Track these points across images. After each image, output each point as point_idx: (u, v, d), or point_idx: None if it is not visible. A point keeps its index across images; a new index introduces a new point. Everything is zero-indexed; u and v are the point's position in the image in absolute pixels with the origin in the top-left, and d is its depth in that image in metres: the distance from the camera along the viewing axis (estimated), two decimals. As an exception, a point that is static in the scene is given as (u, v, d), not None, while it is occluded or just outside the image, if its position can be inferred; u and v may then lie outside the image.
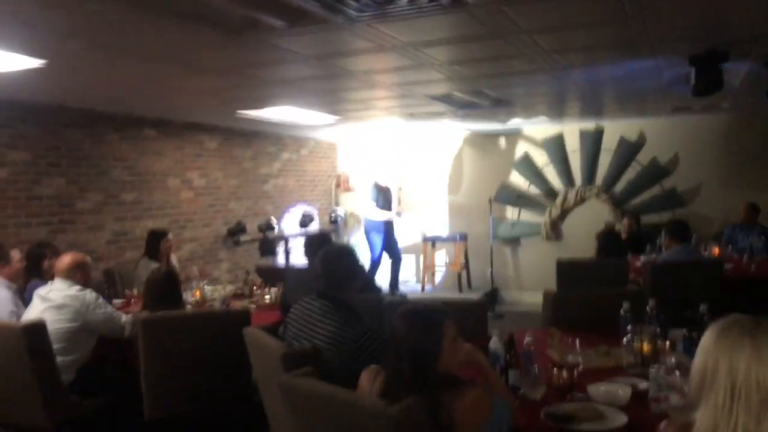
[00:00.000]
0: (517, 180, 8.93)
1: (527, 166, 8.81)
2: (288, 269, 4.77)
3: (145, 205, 6.44)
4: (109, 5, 2.75)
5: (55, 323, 3.55)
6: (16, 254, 4.34)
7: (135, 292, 4.93)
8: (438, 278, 9.31)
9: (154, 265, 5.30)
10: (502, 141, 9.05)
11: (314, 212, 9.32)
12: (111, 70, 4.09)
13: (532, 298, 8.46)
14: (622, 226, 7.32)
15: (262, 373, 2.82)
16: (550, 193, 8.72)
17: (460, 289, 8.59)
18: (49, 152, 5.41)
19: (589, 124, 8.42)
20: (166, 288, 3.64)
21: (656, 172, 8.17)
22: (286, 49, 3.66)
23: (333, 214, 9.10)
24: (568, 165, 8.61)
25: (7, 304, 4.05)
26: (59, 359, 3.47)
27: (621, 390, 2.39)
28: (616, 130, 8.30)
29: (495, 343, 2.61)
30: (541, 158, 8.74)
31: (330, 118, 6.85)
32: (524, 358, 2.58)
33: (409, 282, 9.58)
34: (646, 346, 2.78)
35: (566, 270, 5.58)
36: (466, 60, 4.21)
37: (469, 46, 3.78)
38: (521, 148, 8.88)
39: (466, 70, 4.52)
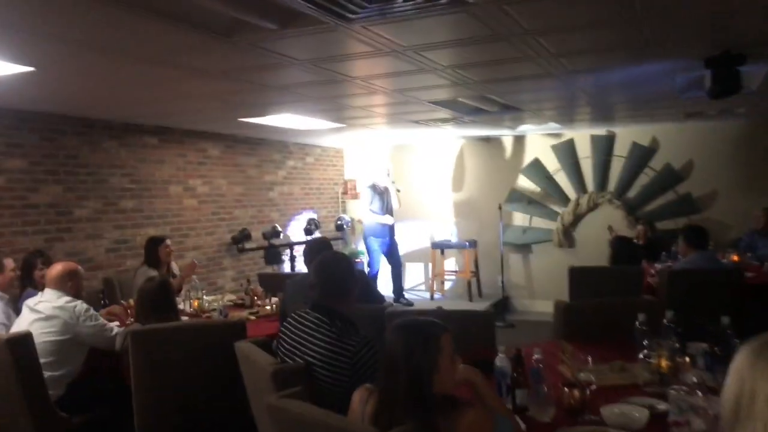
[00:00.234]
0: (528, 185, 8.74)
1: (537, 171, 8.62)
2: (287, 277, 4.59)
3: (146, 213, 6.31)
4: (95, 7, 2.62)
5: (43, 336, 3.41)
6: (9, 263, 4.22)
7: (131, 302, 4.78)
8: (447, 286, 9.12)
9: (154, 273, 5.16)
10: (511, 146, 8.86)
11: (320, 219, 9.17)
12: (101, 74, 3.95)
13: (544, 307, 8.33)
14: (637, 233, 7.12)
15: (253, 390, 2.66)
16: (562, 198, 8.52)
17: (470, 298, 8.39)
18: (45, 160, 5.30)
19: (600, 131, 8.23)
20: (158, 298, 3.48)
21: (670, 177, 7.95)
22: (280, 53, 3.52)
23: (339, 221, 8.93)
24: (579, 171, 8.42)
25: (-1, 315, 3.93)
26: (48, 374, 3.33)
27: (637, 412, 2.21)
28: (628, 135, 8.11)
29: (502, 360, 2.44)
30: (551, 163, 8.55)
31: (333, 125, 6.71)
32: (533, 376, 2.40)
33: (418, 290, 9.41)
34: (664, 363, 2.59)
35: (578, 278, 5.39)
36: (469, 64, 4.03)
37: (471, 49, 3.62)
38: (531, 154, 8.69)
39: (470, 75, 4.35)
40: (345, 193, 9.82)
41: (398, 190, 8.10)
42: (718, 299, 4.31)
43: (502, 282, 8.43)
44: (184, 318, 4.30)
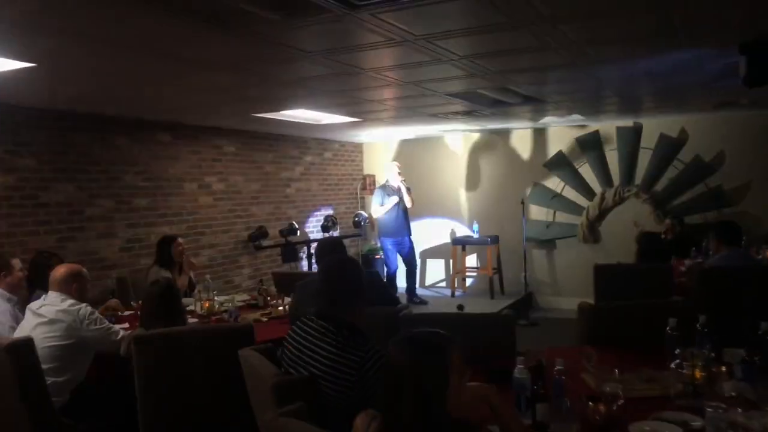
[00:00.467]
0: (551, 179, 8.49)
1: (561, 165, 8.37)
2: (301, 277, 4.45)
3: (160, 211, 6.22)
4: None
5: (46, 341, 3.31)
6: (17, 263, 4.13)
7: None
8: (469, 283, 8.93)
9: (166, 273, 5.06)
10: (534, 139, 8.62)
11: (338, 216, 9.03)
12: (106, 69, 3.82)
13: (569, 304, 8.08)
14: (664, 228, 6.85)
15: (256, 402, 2.51)
16: (587, 192, 8.26)
17: (492, 295, 8.19)
18: (56, 158, 5.22)
19: (627, 122, 7.95)
20: (164, 302, 3.35)
21: (700, 170, 7.66)
22: (287, 45, 3.36)
23: (357, 218, 8.78)
24: (605, 163, 8.15)
25: (6, 317, 3.84)
26: (51, 380, 3.22)
27: (670, 431, 2.01)
28: (655, 127, 7.82)
29: (521, 372, 2.26)
30: (576, 156, 8.29)
31: (350, 119, 6.55)
32: (555, 389, 2.22)
33: (439, 287, 9.24)
34: (698, 373, 2.39)
35: (604, 275, 5.16)
36: (485, 54, 3.81)
37: (487, 38, 3.41)
38: (554, 146, 8.44)
39: (487, 65, 4.13)
40: (364, 188, 9.66)
41: (408, 189, 7.89)
42: (755, 300, 4.06)
43: (525, 279, 8.21)
44: (194, 320, 4.18)
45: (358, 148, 9.79)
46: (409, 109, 6.18)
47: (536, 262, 8.66)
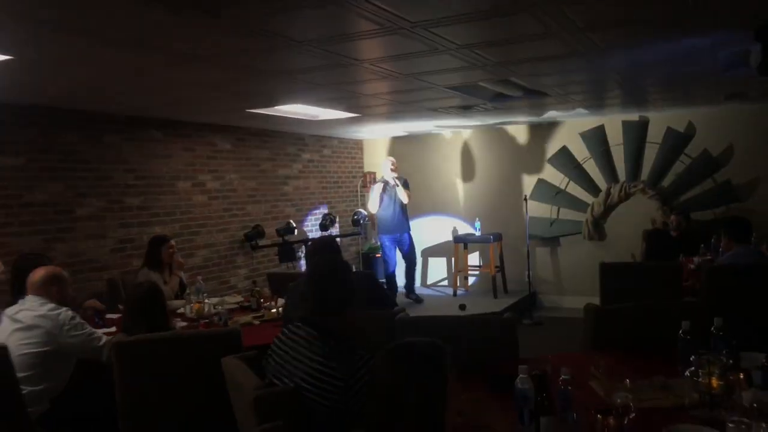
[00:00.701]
0: (555, 175, 8.29)
1: (565, 160, 8.18)
2: (295, 277, 4.28)
3: (153, 210, 6.05)
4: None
5: (23, 347, 3.13)
6: (-2, 264, 3.97)
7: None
8: (471, 281, 8.75)
9: (155, 276, 4.90)
10: (537, 134, 8.43)
11: (338, 214, 8.86)
12: (84, 61, 3.64)
13: (574, 303, 7.92)
14: (670, 223, 6.65)
15: (239, 414, 2.34)
16: (592, 189, 8.07)
17: (495, 294, 8.01)
18: (43, 156, 5.04)
19: (633, 116, 7.75)
20: (146, 306, 3.18)
21: (708, 164, 7.46)
22: (276, 34, 3.18)
23: (356, 216, 8.60)
24: (610, 159, 7.95)
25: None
26: (28, 389, 3.05)
27: (688, 448, 1.84)
28: (662, 120, 7.62)
29: (523, 381, 2.07)
30: (580, 152, 8.10)
31: (348, 115, 6.37)
32: (560, 400, 2.05)
33: (441, 285, 9.06)
34: (715, 381, 2.21)
35: (611, 274, 4.99)
36: (485, 43, 3.63)
37: (486, 24, 3.21)
38: (558, 142, 8.25)
39: (488, 56, 3.95)
40: (365, 186, 9.48)
41: (405, 182, 7.69)
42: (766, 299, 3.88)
43: (529, 277, 8.02)
44: (183, 324, 4.01)
45: (358, 144, 9.61)
46: (409, 104, 5.99)
47: (540, 260, 8.48)
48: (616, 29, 3.52)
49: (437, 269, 9.24)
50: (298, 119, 6.55)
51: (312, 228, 8.30)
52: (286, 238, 7.43)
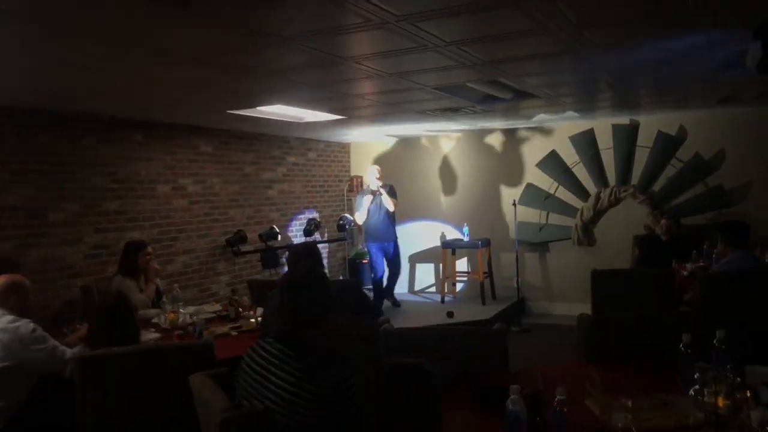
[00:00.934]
0: (544, 180, 8.15)
1: (554, 164, 8.04)
2: (274, 285, 4.08)
3: (131, 214, 5.84)
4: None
5: (-21, 362, 2.94)
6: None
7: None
8: (459, 287, 8.58)
9: (131, 283, 4.69)
10: (526, 138, 8.30)
11: (324, 219, 8.67)
12: (46, 56, 3.44)
13: (563, 310, 7.79)
14: (660, 228, 6.53)
15: (207, 438, 2.15)
16: (581, 193, 7.94)
17: (483, 301, 7.84)
18: (13, 157, 4.83)
19: (623, 119, 7.63)
20: (112, 318, 2.98)
21: (699, 168, 7.34)
22: (255, 29, 3.01)
23: (342, 221, 8.41)
24: (600, 163, 7.82)
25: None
26: (-16, 407, 2.86)
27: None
28: (653, 124, 7.49)
29: (515, 402, 1.91)
30: (569, 156, 7.96)
31: (333, 117, 6.19)
32: (555, 423, 1.88)
33: (429, 292, 8.89)
34: (721, 401, 2.05)
35: (603, 281, 4.83)
36: (474, 39, 3.46)
37: (475, 19, 3.06)
38: (547, 146, 8.11)
39: (477, 54, 3.79)
40: (351, 190, 9.30)
41: (391, 189, 7.52)
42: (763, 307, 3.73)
43: (517, 283, 7.87)
44: (156, 335, 3.81)
45: (345, 148, 9.43)
46: (395, 105, 5.83)
47: (529, 266, 8.33)
48: (611, 27, 3.38)
49: (425, 275, 9.07)
50: (282, 122, 6.37)
51: (297, 233, 8.11)
52: (270, 243, 7.24)
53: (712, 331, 2.45)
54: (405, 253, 8.33)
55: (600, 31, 3.44)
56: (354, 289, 3.61)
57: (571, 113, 6.92)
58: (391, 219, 7.54)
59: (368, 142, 9.28)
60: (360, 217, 7.52)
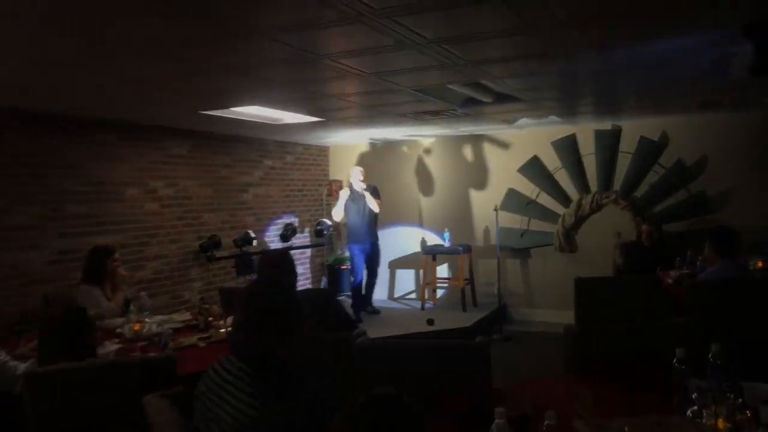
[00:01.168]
0: (526, 185, 8.03)
1: (536, 170, 7.92)
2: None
3: (98, 218, 5.60)
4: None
5: None
6: None
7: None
8: (440, 294, 8.42)
9: (97, 291, 4.46)
10: (508, 143, 8.18)
11: (302, 223, 8.48)
12: (17, 52, 3.25)
13: (545, 317, 7.67)
14: (642, 234, 6.44)
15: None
16: (563, 199, 7.82)
17: (464, 308, 7.69)
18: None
19: (605, 124, 7.53)
20: (64, 331, 2.77)
21: (682, 175, 7.27)
22: (217, 16, 2.81)
23: (319, 227, 8.22)
24: (582, 169, 7.71)
25: None
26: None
27: None
28: (635, 129, 7.40)
29: (500, 427, 1.74)
30: (551, 161, 7.85)
31: (310, 119, 6.01)
32: (543, 450, 1.71)
33: (409, 299, 8.72)
34: (722, 423, 1.90)
35: (586, 289, 4.67)
36: (456, 37, 3.30)
37: (457, 13, 2.90)
38: (529, 151, 7.98)
39: (458, 53, 3.63)
40: (330, 194, 9.11)
41: (375, 191, 7.36)
42: (758, 318, 3.61)
43: (499, 290, 7.73)
44: (117, 346, 3.58)
45: (323, 151, 9.24)
46: (375, 108, 5.66)
47: (510, 273, 8.20)
48: (598, 25, 3.24)
49: (405, 282, 8.90)
50: (259, 124, 6.17)
51: (274, 238, 7.90)
52: (245, 249, 7.03)
53: (703, 343, 2.32)
54: (385, 259, 8.17)
55: (585, 31, 3.30)
56: (328, 300, 3.42)
57: (553, 118, 6.81)
58: (373, 220, 7.40)
59: (348, 146, 9.10)
60: (336, 213, 7.36)
